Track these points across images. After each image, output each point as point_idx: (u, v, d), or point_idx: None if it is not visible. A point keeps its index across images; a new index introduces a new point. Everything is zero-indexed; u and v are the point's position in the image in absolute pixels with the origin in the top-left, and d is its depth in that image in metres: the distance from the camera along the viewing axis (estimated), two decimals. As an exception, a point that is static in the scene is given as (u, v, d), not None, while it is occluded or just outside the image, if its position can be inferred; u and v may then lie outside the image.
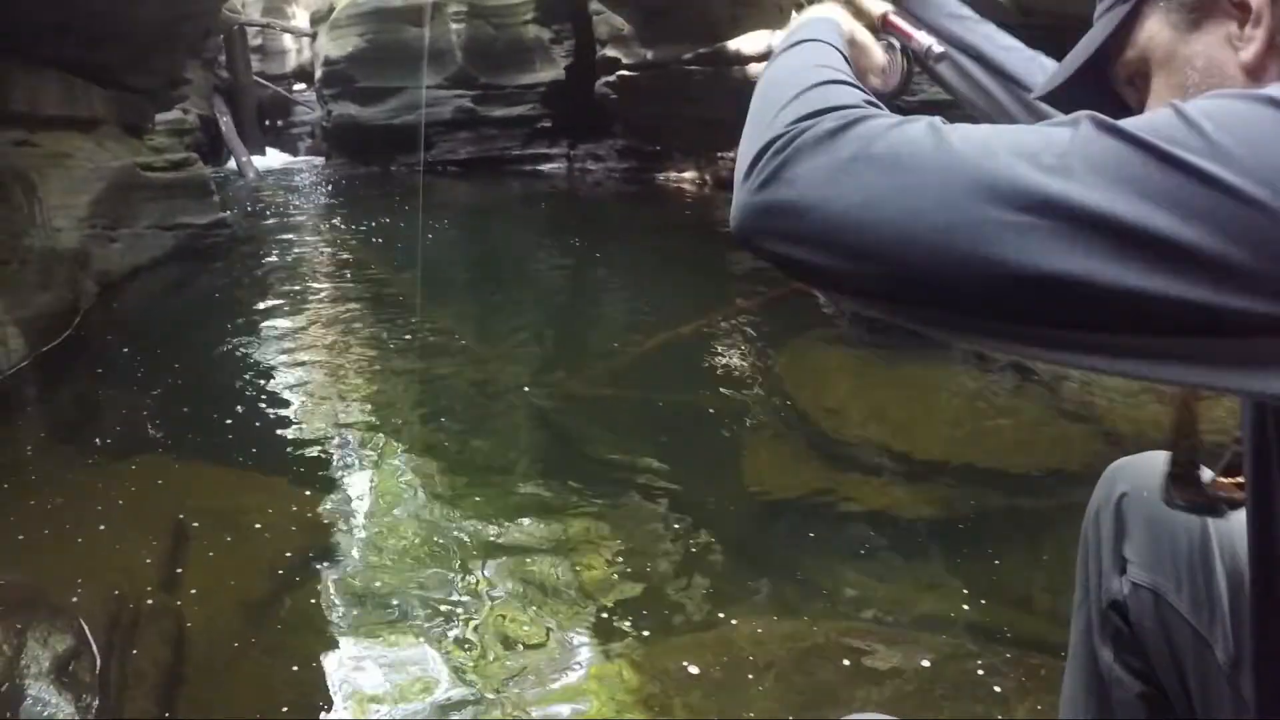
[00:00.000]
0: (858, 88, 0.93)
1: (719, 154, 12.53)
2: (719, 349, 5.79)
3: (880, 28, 1.35)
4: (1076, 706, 1.58)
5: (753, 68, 10.23)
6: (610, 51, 14.23)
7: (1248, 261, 0.68)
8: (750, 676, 2.63)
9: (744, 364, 5.53)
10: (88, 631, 2.58)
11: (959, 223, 0.74)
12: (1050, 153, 0.74)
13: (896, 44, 1.34)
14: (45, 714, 2.30)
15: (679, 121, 12.98)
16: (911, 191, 0.75)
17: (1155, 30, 1.03)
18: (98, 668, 2.49)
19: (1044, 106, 1.33)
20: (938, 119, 0.81)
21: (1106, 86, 1.14)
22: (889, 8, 1.36)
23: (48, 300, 5.97)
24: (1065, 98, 1.17)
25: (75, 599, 2.79)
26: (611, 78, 14.14)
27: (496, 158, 16.71)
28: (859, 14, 1.34)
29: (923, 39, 1.33)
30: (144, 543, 3.31)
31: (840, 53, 1.07)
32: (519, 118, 16.79)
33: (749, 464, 4.23)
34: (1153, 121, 0.74)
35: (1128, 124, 0.74)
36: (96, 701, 2.38)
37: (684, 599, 3.08)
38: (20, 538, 3.40)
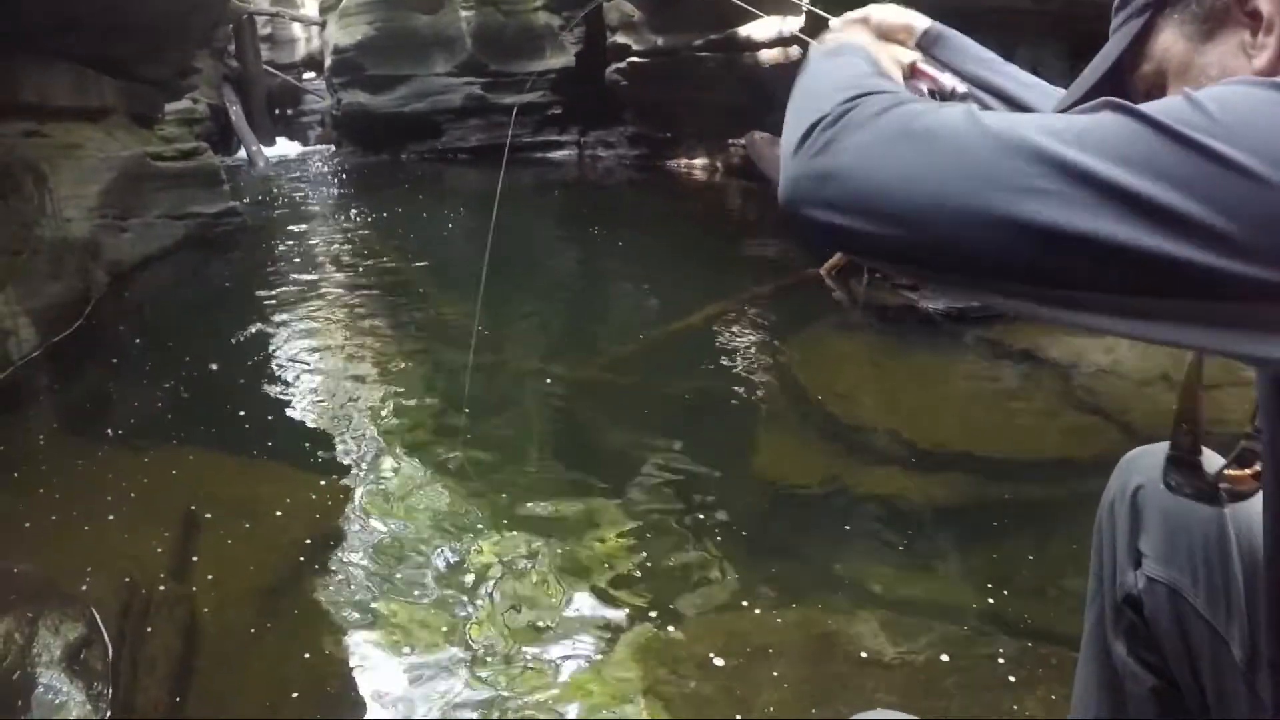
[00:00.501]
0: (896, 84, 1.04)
1: (730, 141, 12.48)
2: (731, 336, 5.78)
3: (909, 75, 1.45)
4: (1089, 701, 1.57)
5: (764, 54, 10.19)
6: (621, 38, 14.19)
7: (1246, 231, 0.74)
8: (761, 664, 2.63)
9: (756, 351, 5.52)
10: (99, 620, 2.59)
11: (987, 189, 0.81)
12: (1071, 131, 0.81)
13: (924, 89, 1.44)
14: (57, 702, 2.30)
15: (690, 108, 12.94)
16: (947, 162, 0.83)
17: (1170, 42, 1.06)
18: (109, 656, 2.50)
19: None
20: (974, 105, 0.93)
21: (1124, 96, 1.14)
22: (918, 56, 1.46)
23: (58, 290, 5.98)
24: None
25: (87, 588, 2.80)
26: (622, 64, 14.10)
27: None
28: (892, 62, 1.43)
29: (947, 81, 1.45)
30: (156, 532, 3.32)
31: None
32: (529, 105, 16.76)
33: (761, 451, 4.22)
34: (1166, 105, 0.81)
35: (1143, 107, 0.81)
36: (108, 690, 2.38)
37: (695, 586, 3.08)
38: (32, 527, 3.41)
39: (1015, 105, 1.49)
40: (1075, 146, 0.79)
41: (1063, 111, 1.27)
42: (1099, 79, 1.16)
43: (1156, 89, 1.09)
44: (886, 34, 1.48)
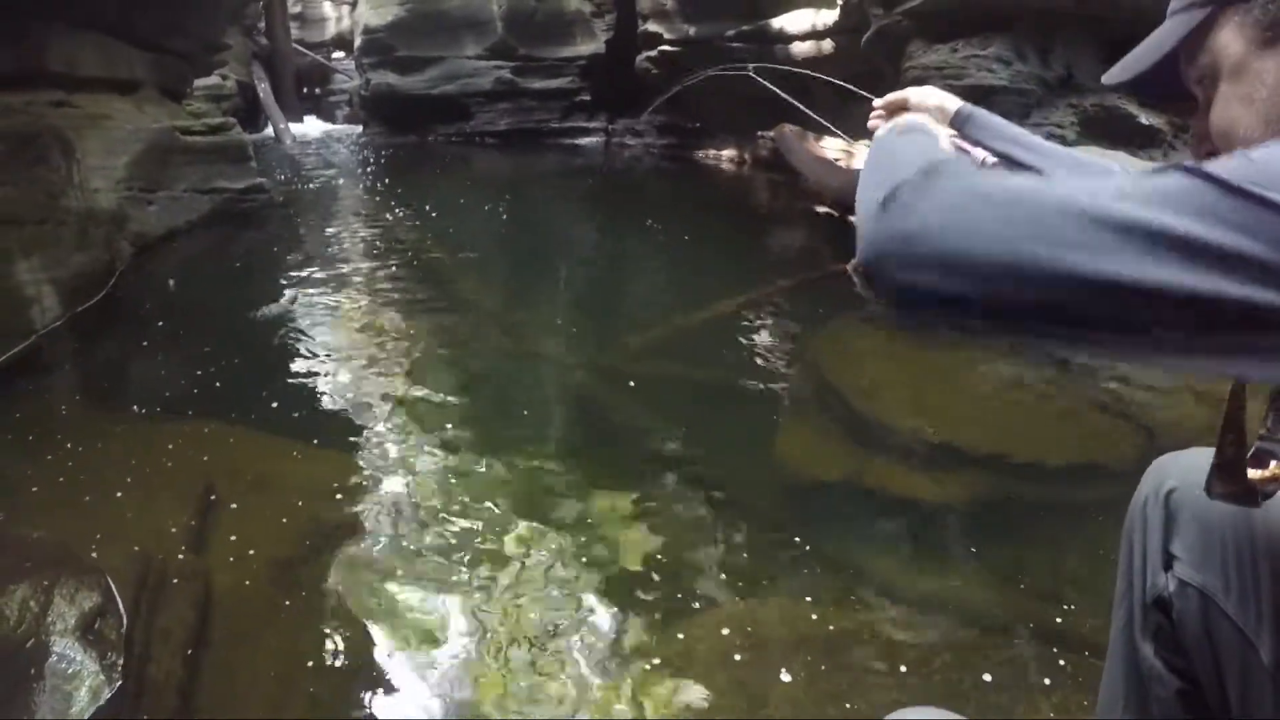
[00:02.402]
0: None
1: (759, 133, 12.43)
2: (755, 328, 5.75)
3: None
4: (1115, 702, 1.57)
5: (795, 46, 10.13)
6: (652, 26, 14.15)
7: None
8: (776, 659, 2.61)
9: (779, 344, 5.49)
10: (115, 590, 2.58)
11: (1064, 250, 0.85)
12: (1140, 191, 0.86)
13: None
14: (70, 671, 2.30)
15: (720, 99, 12.89)
16: (1028, 225, 0.87)
17: (1229, 40, 1.07)
18: (124, 627, 2.49)
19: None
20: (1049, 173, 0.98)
21: (1176, 79, 1.19)
22: (952, 132, 1.65)
23: (83, 261, 5.99)
24: (1135, 86, 1.29)
25: (103, 557, 2.79)
26: (653, 52, 14.06)
27: (534, 130, 16.69)
28: (950, 143, 1.59)
29: (977, 154, 1.61)
30: (174, 504, 3.32)
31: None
32: (558, 90, 16.75)
33: (782, 444, 4.19)
34: (1226, 164, 0.86)
35: (1207, 166, 0.86)
36: (121, 660, 2.38)
37: (713, 578, 3.06)
38: (50, 496, 3.42)
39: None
40: (1144, 206, 0.84)
41: (1113, 89, 1.37)
42: (1155, 62, 1.19)
43: (1208, 80, 1.11)
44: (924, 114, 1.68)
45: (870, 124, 1.79)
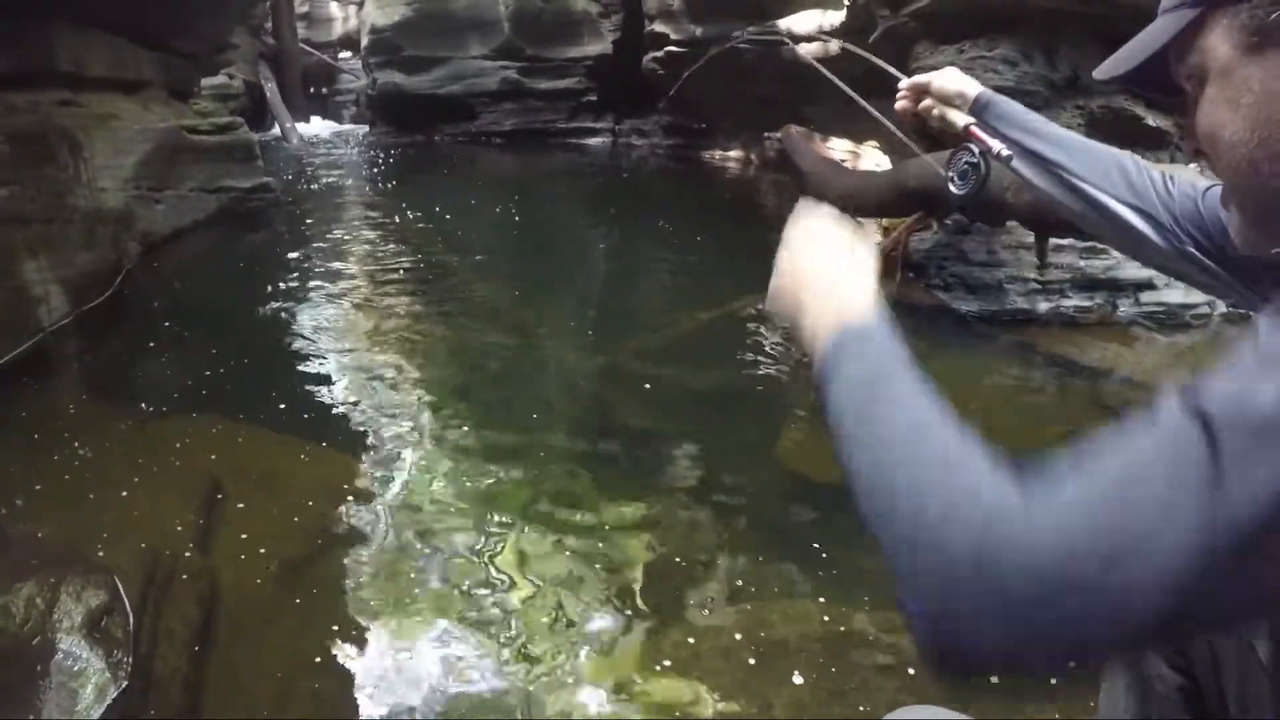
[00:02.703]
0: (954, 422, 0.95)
1: (766, 134, 12.43)
2: (761, 330, 5.75)
3: (964, 136, 1.68)
4: (1117, 701, 1.58)
5: (803, 48, 10.13)
6: (659, 27, 14.14)
7: None
8: (782, 659, 2.61)
9: (786, 346, 5.49)
10: (121, 588, 2.59)
11: (1108, 593, 0.75)
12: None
13: (975, 150, 1.67)
14: (76, 668, 2.31)
15: (726, 100, 12.88)
16: (1110, 594, 0.76)
17: (1217, 43, 1.05)
18: (130, 624, 2.50)
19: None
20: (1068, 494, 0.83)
21: (1167, 75, 1.18)
22: (971, 120, 1.71)
23: (90, 259, 6.01)
24: (1126, 81, 1.27)
25: (110, 555, 2.81)
26: (659, 53, 14.05)
27: (540, 130, 16.70)
28: (944, 124, 1.75)
29: (995, 145, 1.64)
30: (180, 503, 3.32)
31: (891, 334, 1.06)
32: (564, 90, 16.76)
33: (788, 446, 4.19)
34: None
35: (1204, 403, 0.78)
36: (128, 658, 2.38)
37: (721, 580, 3.06)
38: (57, 493, 3.43)
39: (1052, 168, 1.64)
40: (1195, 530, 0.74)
41: (1105, 84, 1.36)
42: (1144, 60, 1.18)
43: (1197, 80, 1.09)
44: (945, 99, 1.75)
45: (897, 106, 1.83)
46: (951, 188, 1.76)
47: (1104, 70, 1.31)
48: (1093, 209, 1.61)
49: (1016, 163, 1.68)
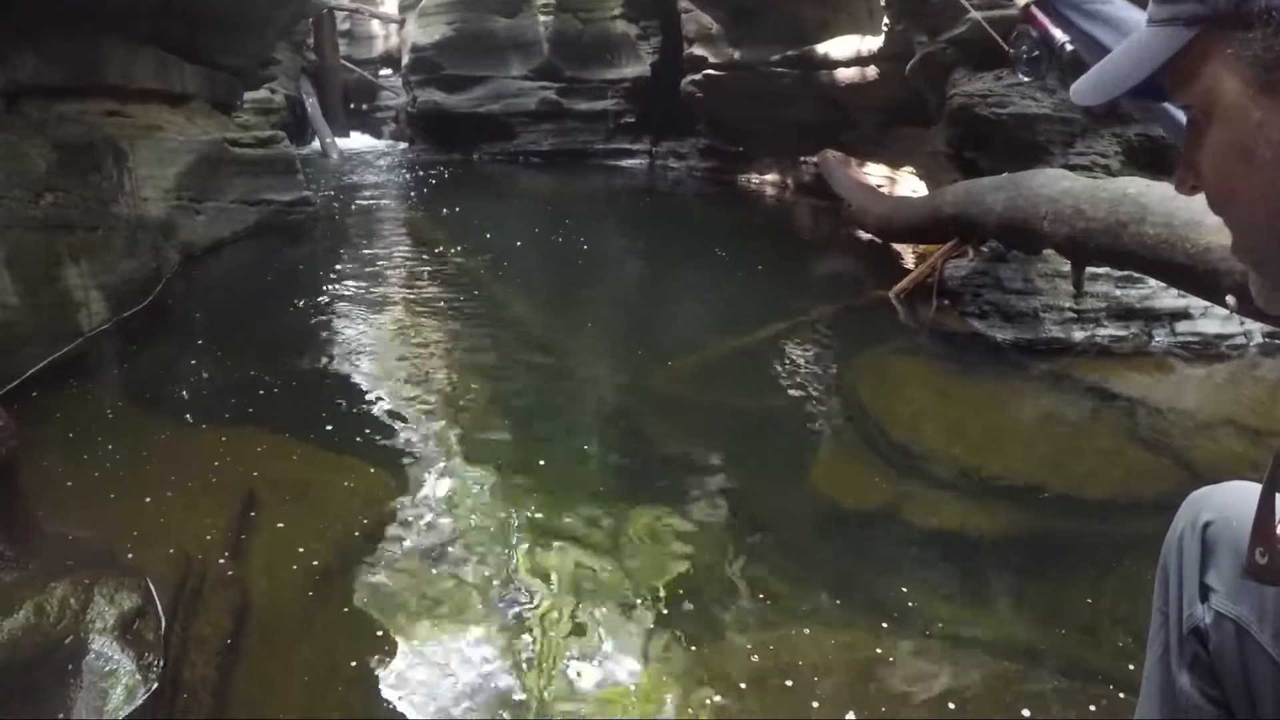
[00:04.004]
0: None
1: (803, 158, 12.42)
2: (794, 353, 5.74)
3: (1023, 19, 1.71)
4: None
5: (840, 72, 10.14)
6: (697, 50, 14.16)
7: None
8: (806, 685, 2.60)
9: (819, 371, 5.48)
10: (154, 592, 2.61)
11: None
12: None
13: (1035, 34, 1.70)
14: (107, 670, 2.33)
15: (764, 124, 12.89)
16: None
17: (1221, 75, 0.93)
18: (161, 629, 2.52)
19: None
20: None
21: (1158, 93, 1.04)
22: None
23: (132, 267, 6.09)
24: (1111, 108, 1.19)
25: (144, 560, 2.83)
26: (698, 76, 14.08)
27: (578, 150, 16.77)
28: None
29: (1056, 34, 1.66)
30: (215, 510, 3.35)
31: None
32: (602, 112, 16.83)
33: (818, 471, 4.18)
34: None
35: None
36: (159, 663, 2.41)
37: (744, 603, 3.05)
38: (94, 496, 3.47)
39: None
40: None
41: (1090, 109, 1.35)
42: (1136, 82, 1.02)
43: (1203, 115, 0.97)
44: None
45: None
46: (1018, 70, 1.85)
47: (1083, 96, 1.10)
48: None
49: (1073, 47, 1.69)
